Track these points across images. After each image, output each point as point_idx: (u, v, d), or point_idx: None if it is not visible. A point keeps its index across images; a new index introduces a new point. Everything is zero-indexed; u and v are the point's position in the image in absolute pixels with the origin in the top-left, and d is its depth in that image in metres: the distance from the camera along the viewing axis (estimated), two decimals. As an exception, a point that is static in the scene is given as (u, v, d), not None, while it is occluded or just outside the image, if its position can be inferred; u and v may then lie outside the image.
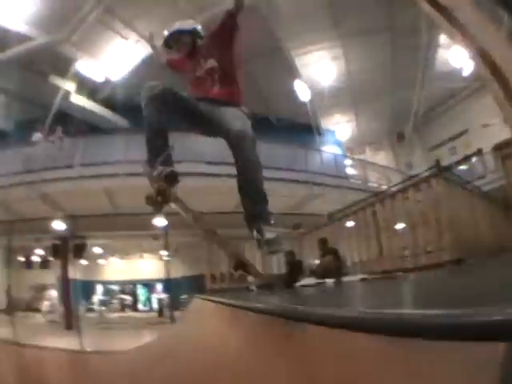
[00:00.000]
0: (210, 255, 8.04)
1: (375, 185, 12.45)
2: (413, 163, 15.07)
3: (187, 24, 2.50)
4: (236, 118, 2.18)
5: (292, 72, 12.10)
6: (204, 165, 9.77)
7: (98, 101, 12.43)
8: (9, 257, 10.44)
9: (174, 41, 2.48)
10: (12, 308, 11.00)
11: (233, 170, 8.02)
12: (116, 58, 11.56)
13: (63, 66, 11.21)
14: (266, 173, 8.18)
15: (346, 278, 5.63)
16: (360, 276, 5.27)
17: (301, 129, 13.33)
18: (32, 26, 10.24)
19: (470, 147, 12.67)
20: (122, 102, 11.91)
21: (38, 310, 14.66)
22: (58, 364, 7.04)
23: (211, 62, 2.34)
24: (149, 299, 17.98)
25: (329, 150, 13.67)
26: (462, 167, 12.51)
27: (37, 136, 11.22)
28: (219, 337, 2.46)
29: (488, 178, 10.53)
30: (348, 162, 13.67)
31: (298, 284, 6.48)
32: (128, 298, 17.71)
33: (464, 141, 13.53)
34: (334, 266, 6.00)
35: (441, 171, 4.75)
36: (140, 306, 17.91)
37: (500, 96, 2.24)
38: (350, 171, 13.06)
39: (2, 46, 10.42)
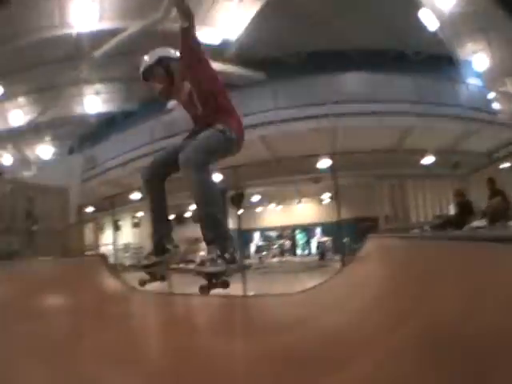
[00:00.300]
0: (380, 196, 7.74)
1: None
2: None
3: (154, 55, 2.39)
4: (192, 145, 2.10)
5: (413, 2, 11.21)
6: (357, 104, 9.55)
7: (226, 60, 12.39)
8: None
9: (149, 75, 2.40)
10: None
11: (387, 108, 7.31)
12: (226, 19, 11.78)
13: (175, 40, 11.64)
14: (414, 108, 7.44)
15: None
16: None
17: (437, 61, 12.30)
18: (122, 18, 11.02)
19: None
20: (251, 57, 12.15)
21: (192, 262, 15.48)
22: (218, 309, 7.20)
23: (186, 85, 2.33)
24: (308, 243, 18.14)
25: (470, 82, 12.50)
26: None
27: (172, 104, 11.59)
28: (409, 278, 2.23)
29: None
30: (492, 95, 12.19)
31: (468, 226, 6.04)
32: (287, 243, 18.03)
33: None
34: (502, 208, 5.71)
35: None
36: (299, 251, 18.16)
37: None
38: (495, 106, 11.75)
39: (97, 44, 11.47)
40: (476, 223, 6.11)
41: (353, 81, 10.22)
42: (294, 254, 17.73)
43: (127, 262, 14.85)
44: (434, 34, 11.53)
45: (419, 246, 2.65)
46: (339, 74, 10.34)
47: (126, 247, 15.47)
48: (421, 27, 11.44)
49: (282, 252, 17.39)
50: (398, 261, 3.02)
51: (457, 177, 8.03)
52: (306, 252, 17.85)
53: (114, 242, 13.21)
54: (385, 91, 9.83)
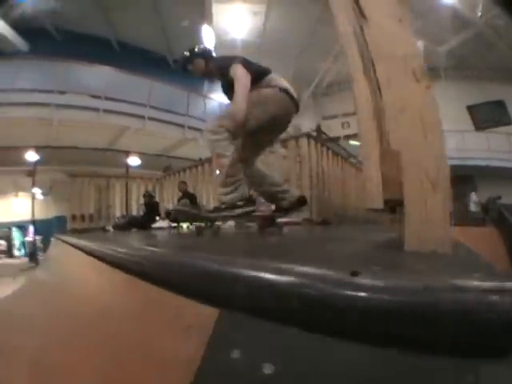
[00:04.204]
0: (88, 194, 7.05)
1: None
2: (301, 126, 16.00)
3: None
4: None
5: (204, 16, 11.53)
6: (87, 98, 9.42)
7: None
8: None
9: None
10: None
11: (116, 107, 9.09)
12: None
13: None
14: (155, 114, 9.59)
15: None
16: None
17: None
18: None
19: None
20: (26, 23, 10.08)
21: None
22: None
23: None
24: (23, 243, 15.44)
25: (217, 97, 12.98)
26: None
27: None
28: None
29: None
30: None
31: (153, 225, 6.56)
32: (2, 243, 15.12)
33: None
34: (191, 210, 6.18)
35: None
36: (16, 252, 15.34)
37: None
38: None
39: None
40: (159, 224, 6.59)
41: (93, 73, 9.66)
42: (11, 255, 15.10)
43: None
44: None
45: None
46: (81, 64, 9.52)
47: None
48: (195, 41, 11.49)
49: (-1, 253, 14.85)
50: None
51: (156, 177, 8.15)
52: (23, 253, 15.28)
53: None
54: (123, 89, 9.66)
